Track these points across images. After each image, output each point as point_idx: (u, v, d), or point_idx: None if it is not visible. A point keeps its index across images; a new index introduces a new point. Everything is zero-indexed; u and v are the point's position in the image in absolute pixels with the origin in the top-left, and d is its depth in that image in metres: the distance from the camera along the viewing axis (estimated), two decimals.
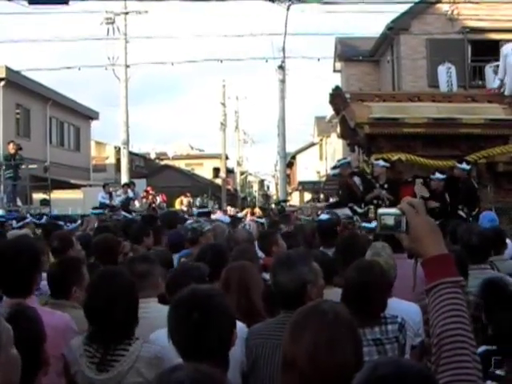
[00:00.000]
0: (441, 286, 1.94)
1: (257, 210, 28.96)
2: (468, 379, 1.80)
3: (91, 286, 3.43)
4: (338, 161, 13.74)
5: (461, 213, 10.76)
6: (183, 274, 4.03)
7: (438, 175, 10.96)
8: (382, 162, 11.33)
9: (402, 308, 4.17)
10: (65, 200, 25.33)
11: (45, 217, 13.29)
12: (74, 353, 3.27)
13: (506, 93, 12.39)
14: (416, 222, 2.04)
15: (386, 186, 11.26)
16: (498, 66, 13.84)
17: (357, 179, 12.04)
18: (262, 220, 12.63)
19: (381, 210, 2.15)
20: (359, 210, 11.20)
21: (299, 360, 2.07)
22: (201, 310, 2.58)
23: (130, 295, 3.32)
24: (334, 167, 13.65)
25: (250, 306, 4.02)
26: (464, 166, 10.82)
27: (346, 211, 10.93)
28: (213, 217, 14.30)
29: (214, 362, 2.45)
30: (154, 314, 3.64)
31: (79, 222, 12.21)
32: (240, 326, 3.43)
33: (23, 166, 20.82)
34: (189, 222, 9.17)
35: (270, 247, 6.08)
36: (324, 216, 8.37)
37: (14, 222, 11.77)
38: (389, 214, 2.10)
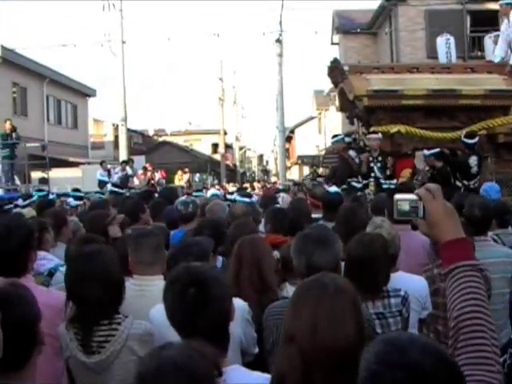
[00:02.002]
0: (458, 270, 1.93)
1: (256, 185, 28.97)
2: (486, 362, 1.77)
3: (70, 263, 3.35)
4: (333, 137, 13.65)
5: (458, 183, 10.74)
6: (183, 250, 3.97)
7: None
8: (374, 135, 11.28)
9: (407, 282, 4.14)
10: (63, 178, 25.24)
11: (50, 195, 13.28)
12: (64, 338, 3.21)
13: (511, 62, 12.20)
14: (432, 207, 2.02)
15: (379, 158, 11.22)
16: (497, 36, 13.65)
17: (352, 153, 11.99)
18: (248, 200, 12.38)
19: (397, 196, 2.12)
20: (358, 186, 11.15)
21: (299, 334, 2.04)
22: (197, 286, 2.52)
23: (107, 274, 3.19)
24: (334, 136, 13.60)
25: (263, 281, 3.99)
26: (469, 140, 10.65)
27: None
28: (209, 192, 14.22)
29: (213, 338, 2.42)
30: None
31: None
32: (240, 303, 3.38)
33: (22, 145, 20.78)
34: (182, 198, 9.06)
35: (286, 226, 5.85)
36: (332, 189, 8.21)
37: (20, 200, 11.78)
38: (405, 199, 2.08)
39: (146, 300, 3.58)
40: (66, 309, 3.35)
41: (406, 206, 2.07)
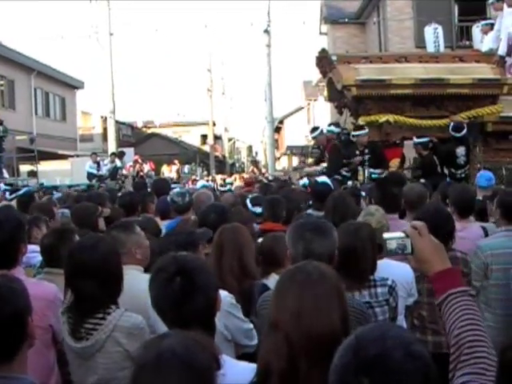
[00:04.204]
0: (452, 297, 2.05)
1: (245, 176, 28.91)
2: (486, 373, 1.83)
3: (68, 255, 3.36)
4: (312, 131, 13.22)
5: (445, 171, 10.78)
6: (170, 240, 3.97)
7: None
8: (363, 131, 11.26)
9: (393, 269, 4.14)
10: (52, 171, 25.13)
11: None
12: (61, 321, 3.28)
13: (499, 53, 12.21)
14: (420, 244, 2.18)
15: (366, 150, 11.22)
16: (487, 24, 13.64)
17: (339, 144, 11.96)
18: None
19: (386, 235, 2.26)
20: (347, 174, 11.16)
21: (283, 322, 2.05)
22: (183, 274, 2.52)
23: (105, 265, 3.22)
24: (313, 130, 13.18)
25: (243, 268, 3.99)
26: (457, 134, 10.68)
27: None
28: (198, 184, 14.24)
29: (200, 328, 2.41)
30: (128, 282, 3.50)
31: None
32: (222, 295, 3.37)
33: (10, 138, 20.66)
34: (177, 189, 9.06)
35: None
36: (321, 179, 8.22)
37: (7, 193, 11.65)
38: (393, 237, 2.22)
39: None
40: (65, 295, 3.36)
41: (394, 245, 2.21)
